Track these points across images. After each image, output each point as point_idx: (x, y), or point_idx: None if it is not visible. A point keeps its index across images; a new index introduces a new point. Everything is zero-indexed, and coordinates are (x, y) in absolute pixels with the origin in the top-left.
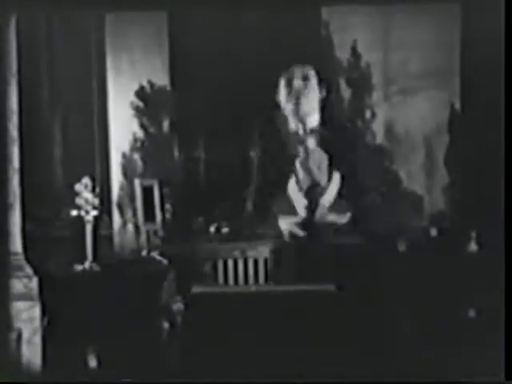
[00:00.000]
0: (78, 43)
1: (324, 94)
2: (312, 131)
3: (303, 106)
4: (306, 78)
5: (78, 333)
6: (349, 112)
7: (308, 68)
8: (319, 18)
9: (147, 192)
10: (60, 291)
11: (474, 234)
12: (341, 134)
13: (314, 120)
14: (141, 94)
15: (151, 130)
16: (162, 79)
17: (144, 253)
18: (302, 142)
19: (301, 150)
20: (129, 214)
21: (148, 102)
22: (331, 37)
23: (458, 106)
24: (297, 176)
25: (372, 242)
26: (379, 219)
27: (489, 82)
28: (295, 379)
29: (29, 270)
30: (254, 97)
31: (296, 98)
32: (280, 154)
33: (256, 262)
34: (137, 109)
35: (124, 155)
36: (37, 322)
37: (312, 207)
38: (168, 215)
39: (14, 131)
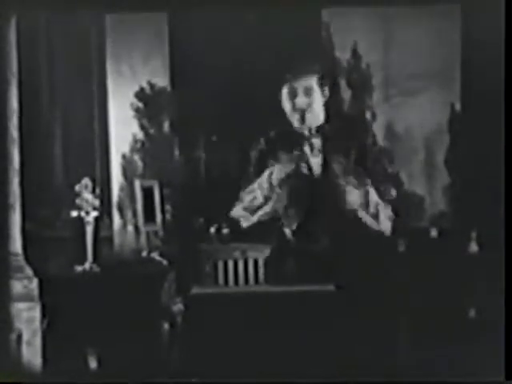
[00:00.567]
0: (78, 44)
1: (327, 96)
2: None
3: (308, 119)
4: (308, 92)
5: (78, 333)
6: (349, 113)
7: (310, 79)
8: (319, 19)
9: (147, 193)
10: (60, 292)
11: (474, 235)
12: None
13: (319, 121)
14: (141, 95)
15: (151, 130)
16: (162, 80)
17: (144, 253)
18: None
19: (307, 149)
20: (129, 214)
21: (148, 103)
22: (331, 38)
23: (458, 106)
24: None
25: (372, 242)
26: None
27: (489, 82)
28: (296, 379)
29: (29, 270)
30: (254, 97)
31: (301, 112)
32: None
33: (256, 263)
34: (137, 110)
35: (124, 156)
36: (37, 323)
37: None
38: (168, 216)
39: (14, 131)
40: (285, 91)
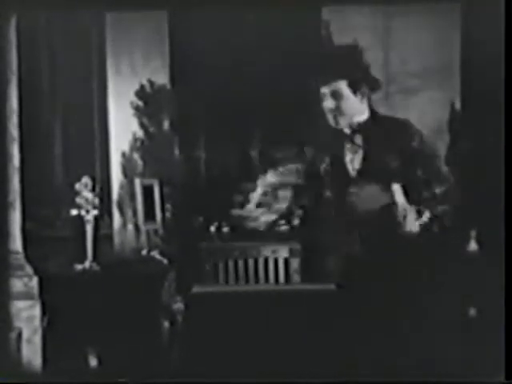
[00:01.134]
0: (78, 43)
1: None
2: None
3: (340, 120)
4: (336, 95)
5: (78, 332)
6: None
7: (337, 83)
8: (319, 17)
9: (147, 191)
10: (60, 290)
11: (474, 233)
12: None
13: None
14: (141, 93)
15: (151, 129)
16: (163, 79)
17: (144, 252)
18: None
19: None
20: (129, 213)
21: (148, 102)
22: (331, 36)
23: (458, 104)
24: None
25: (372, 242)
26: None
27: (489, 80)
28: (296, 379)
29: (29, 269)
30: (254, 97)
31: (331, 113)
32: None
33: (256, 262)
34: (137, 108)
35: (124, 155)
36: (37, 322)
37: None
38: (168, 214)
39: (14, 130)
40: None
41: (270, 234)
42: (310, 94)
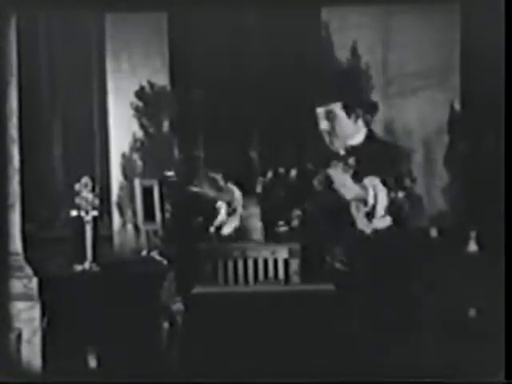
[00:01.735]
0: (77, 43)
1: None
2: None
3: (335, 141)
4: (330, 117)
5: (77, 333)
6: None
7: (331, 106)
8: (319, 18)
9: (147, 192)
10: (60, 291)
11: (474, 234)
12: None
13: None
14: (141, 94)
15: (151, 130)
16: (163, 79)
17: (144, 253)
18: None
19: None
20: (129, 213)
21: (148, 103)
22: (330, 37)
23: (457, 105)
24: None
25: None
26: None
27: (489, 81)
28: (296, 379)
29: (28, 270)
30: (254, 96)
31: (326, 134)
32: None
33: (256, 262)
34: (137, 109)
35: (124, 155)
36: (37, 322)
37: None
38: (168, 215)
39: (13, 131)
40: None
41: (269, 235)
42: (310, 94)
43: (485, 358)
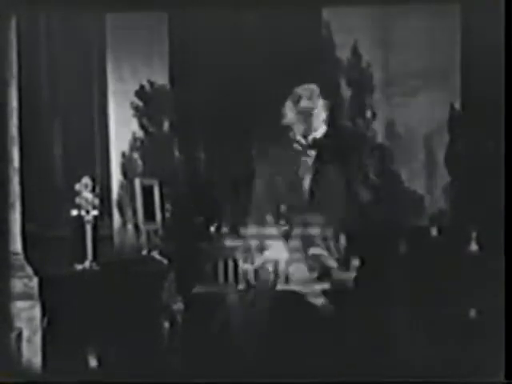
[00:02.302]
0: (78, 43)
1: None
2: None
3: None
4: (312, 97)
5: (78, 332)
6: (350, 113)
7: (313, 87)
8: (320, 18)
9: (147, 191)
10: (60, 291)
11: (474, 234)
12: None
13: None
14: (141, 93)
15: (151, 129)
16: (162, 79)
17: (144, 252)
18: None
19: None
20: (129, 213)
21: (148, 102)
22: (332, 37)
23: (458, 105)
24: None
25: (372, 242)
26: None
27: (489, 81)
28: (296, 379)
29: (29, 269)
30: (254, 96)
31: (304, 118)
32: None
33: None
34: (137, 108)
35: (124, 155)
36: (37, 322)
37: None
38: (168, 215)
39: (14, 131)
40: (288, 102)
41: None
42: None
43: (485, 358)
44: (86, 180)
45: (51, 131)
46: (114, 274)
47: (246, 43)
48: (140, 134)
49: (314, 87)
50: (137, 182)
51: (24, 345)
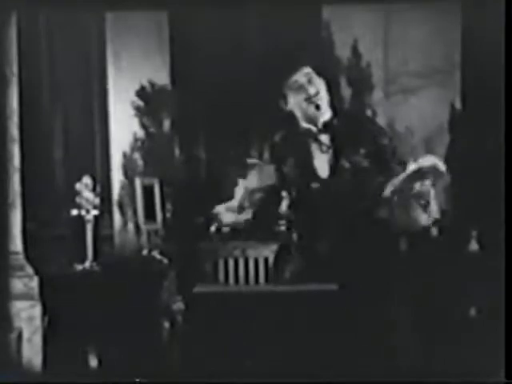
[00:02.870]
0: (77, 43)
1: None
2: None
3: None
4: (312, 81)
5: (78, 332)
6: (350, 111)
7: (307, 70)
8: (320, 17)
9: (148, 191)
10: (60, 290)
11: (474, 234)
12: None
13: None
14: (141, 93)
15: (152, 129)
16: (163, 79)
17: (144, 252)
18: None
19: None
20: (129, 213)
21: (149, 102)
22: (332, 36)
23: (458, 105)
24: None
25: (372, 242)
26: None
27: (489, 80)
28: (296, 379)
29: (29, 269)
30: (254, 95)
31: (306, 99)
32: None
33: (256, 262)
34: (137, 108)
35: (124, 154)
36: (37, 322)
37: None
38: (169, 214)
39: (14, 130)
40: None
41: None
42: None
43: (485, 357)
44: (87, 179)
45: (52, 130)
46: (115, 273)
47: (247, 43)
48: (141, 133)
49: (308, 70)
50: (137, 182)
51: (24, 345)
